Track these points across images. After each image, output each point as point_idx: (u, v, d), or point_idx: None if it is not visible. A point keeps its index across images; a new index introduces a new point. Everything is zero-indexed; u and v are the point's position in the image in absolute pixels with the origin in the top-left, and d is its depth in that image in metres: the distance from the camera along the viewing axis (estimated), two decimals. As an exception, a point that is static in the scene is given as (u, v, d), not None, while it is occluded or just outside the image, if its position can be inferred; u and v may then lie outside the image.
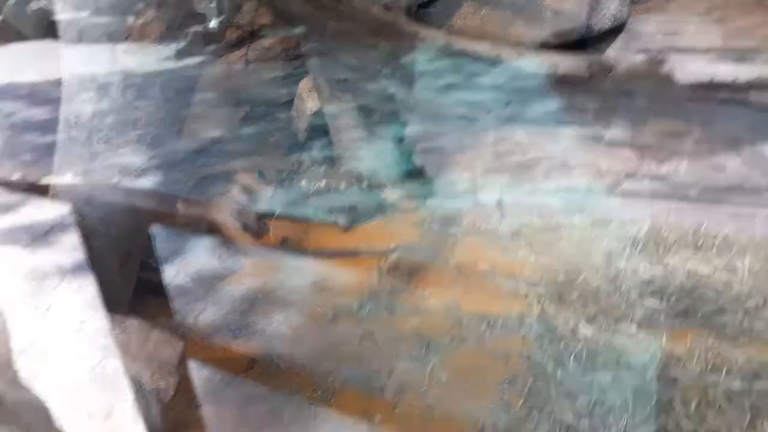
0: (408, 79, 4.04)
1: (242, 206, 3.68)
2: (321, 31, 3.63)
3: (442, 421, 2.16)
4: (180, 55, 6.99)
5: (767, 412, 2.10)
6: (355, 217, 3.59)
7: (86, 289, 1.73)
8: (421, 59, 3.98)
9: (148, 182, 3.43)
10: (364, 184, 3.76)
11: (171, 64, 6.87)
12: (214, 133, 4.78)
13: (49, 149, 3.80)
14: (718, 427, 2.06)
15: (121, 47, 7.16)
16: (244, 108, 5.09)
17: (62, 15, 6.57)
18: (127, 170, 3.04)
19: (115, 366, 1.51)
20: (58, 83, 5.15)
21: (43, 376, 1.55)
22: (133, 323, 1.62)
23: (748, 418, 2.08)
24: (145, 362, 1.53)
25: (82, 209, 2.12)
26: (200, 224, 3.29)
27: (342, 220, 3.57)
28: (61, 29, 5.87)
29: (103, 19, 6.72)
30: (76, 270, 2.32)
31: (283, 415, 2.18)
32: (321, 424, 2.15)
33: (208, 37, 7.09)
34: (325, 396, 2.24)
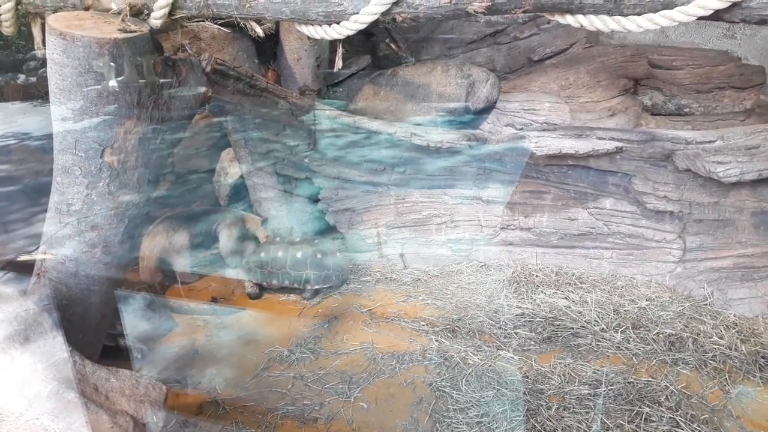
0: (312, 137, 4.51)
1: (158, 260, 3.97)
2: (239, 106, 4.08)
3: (365, 440, 2.68)
4: (78, 114, 7.01)
5: (604, 409, 2.83)
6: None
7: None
8: (322, 119, 4.45)
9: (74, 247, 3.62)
10: (283, 242, 4.20)
11: (71, 125, 6.88)
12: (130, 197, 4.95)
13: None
14: (571, 423, 2.75)
15: (14, 107, 7.05)
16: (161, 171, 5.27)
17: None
18: (49, 239, 3.15)
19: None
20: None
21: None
22: (125, 372, 2.00)
23: (591, 415, 2.80)
24: (138, 402, 1.90)
25: (68, 281, 2.43)
26: (134, 284, 3.60)
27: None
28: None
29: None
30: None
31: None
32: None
33: (108, 97, 7.19)
34: (268, 429, 2.68)
